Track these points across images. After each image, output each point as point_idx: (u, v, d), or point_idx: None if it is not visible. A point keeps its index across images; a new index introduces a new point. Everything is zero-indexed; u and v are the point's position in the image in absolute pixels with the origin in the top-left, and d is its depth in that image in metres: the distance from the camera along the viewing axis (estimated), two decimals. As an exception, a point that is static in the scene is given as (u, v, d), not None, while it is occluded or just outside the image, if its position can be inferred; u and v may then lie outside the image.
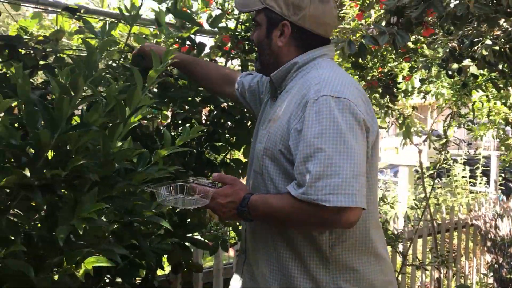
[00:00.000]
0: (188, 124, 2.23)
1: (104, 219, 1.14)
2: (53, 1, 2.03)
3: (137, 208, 1.19)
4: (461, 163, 5.74)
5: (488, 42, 2.00)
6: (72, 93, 0.88)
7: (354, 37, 2.17)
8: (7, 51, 1.80)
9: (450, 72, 2.49)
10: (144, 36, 2.29)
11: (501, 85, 2.74)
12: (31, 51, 1.86)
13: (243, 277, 1.56)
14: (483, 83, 2.85)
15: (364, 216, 1.34)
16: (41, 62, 1.86)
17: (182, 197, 1.35)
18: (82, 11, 2.03)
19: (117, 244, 1.03)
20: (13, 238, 0.90)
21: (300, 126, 1.26)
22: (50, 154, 0.96)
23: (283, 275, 1.37)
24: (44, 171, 0.88)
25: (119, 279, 1.28)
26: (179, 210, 1.99)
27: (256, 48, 1.55)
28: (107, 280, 1.26)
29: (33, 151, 0.92)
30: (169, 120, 2.36)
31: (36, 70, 1.85)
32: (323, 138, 1.20)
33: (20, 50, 1.85)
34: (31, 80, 1.94)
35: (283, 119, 1.35)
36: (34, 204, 0.96)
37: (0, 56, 1.83)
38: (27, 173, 0.82)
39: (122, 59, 2.12)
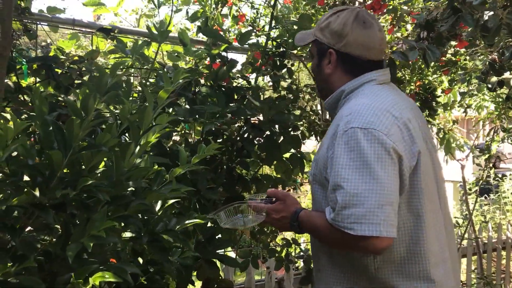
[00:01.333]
0: (219, 140, 2.25)
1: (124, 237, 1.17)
2: (89, 23, 2.11)
3: (155, 227, 1.21)
4: (511, 179, 5.45)
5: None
6: (84, 115, 0.91)
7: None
8: (44, 71, 1.89)
9: (490, 85, 2.39)
10: (176, 54, 2.33)
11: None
12: (67, 71, 1.94)
13: None
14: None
15: (411, 241, 1.35)
16: (77, 81, 1.94)
17: (241, 217, 1.48)
18: (116, 31, 2.10)
19: (129, 262, 1.04)
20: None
21: (332, 155, 1.33)
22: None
23: None
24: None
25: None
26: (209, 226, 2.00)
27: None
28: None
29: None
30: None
31: (72, 88, 1.92)
32: (350, 169, 1.25)
33: (57, 70, 1.93)
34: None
35: (323, 148, 1.42)
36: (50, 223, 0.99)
37: (37, 76, 1.92)
38: (37, 193, 0.84)
39: (155, 76, 2.17)
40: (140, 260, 1.32)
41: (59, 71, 1.93)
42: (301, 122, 2.26)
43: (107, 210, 0.96)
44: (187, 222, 1.31)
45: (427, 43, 1.70)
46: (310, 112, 2.24)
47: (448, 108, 3.11)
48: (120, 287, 1.17)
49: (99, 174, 1.01)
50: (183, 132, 2.37)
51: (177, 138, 2.38)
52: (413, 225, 1.35)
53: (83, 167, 0.98)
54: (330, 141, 1.37)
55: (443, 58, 2.91)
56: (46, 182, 0.93)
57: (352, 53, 1.44)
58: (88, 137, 1.05)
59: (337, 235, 1.27)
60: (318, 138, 2.44)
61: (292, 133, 2.24)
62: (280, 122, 2.08)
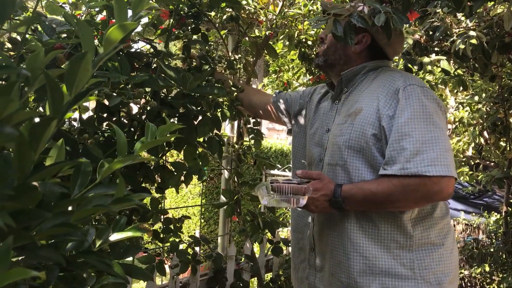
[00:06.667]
0: (114, 118, 1.77)
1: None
2: None
3: (64, 248, 0.76)
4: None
5: (472, 33, 1.78)
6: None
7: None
8: None
9: (409, 65, 2.27)
10: (60, 3, 1.78)
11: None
12: None
13: (313, 271, 1.64)
14: (436, 82, 2.69)
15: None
16: None
17: (289, 196, 1.36)
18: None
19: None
20: None
21: (392, 112, 1.41)
22: None
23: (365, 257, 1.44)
24: None
25: None
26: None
27: (325, 46, 1.68)
28: None
29: None
30: (89, 113, 1.86)
31: None
32: (415, 119, 1.36)
33: None
34: None
35: (369, 110, 1.47)
36: None
37: None
38: None
39: (31, 32, 1.61)
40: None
41: None
42: (221, 100, 1.88)
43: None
44: (114, 237, 0.88)
45: (390, 7, 1.44)
46: (233, 88, 1.87)
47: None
48: None
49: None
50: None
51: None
52: None
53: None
54: (381, 101, 1.44)
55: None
56: None
57: (381, 44, 1.60)
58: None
59: (408, 186, 1.32)
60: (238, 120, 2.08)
61: (208, 112, 1.85)
62: (201, 96, 1.68)
